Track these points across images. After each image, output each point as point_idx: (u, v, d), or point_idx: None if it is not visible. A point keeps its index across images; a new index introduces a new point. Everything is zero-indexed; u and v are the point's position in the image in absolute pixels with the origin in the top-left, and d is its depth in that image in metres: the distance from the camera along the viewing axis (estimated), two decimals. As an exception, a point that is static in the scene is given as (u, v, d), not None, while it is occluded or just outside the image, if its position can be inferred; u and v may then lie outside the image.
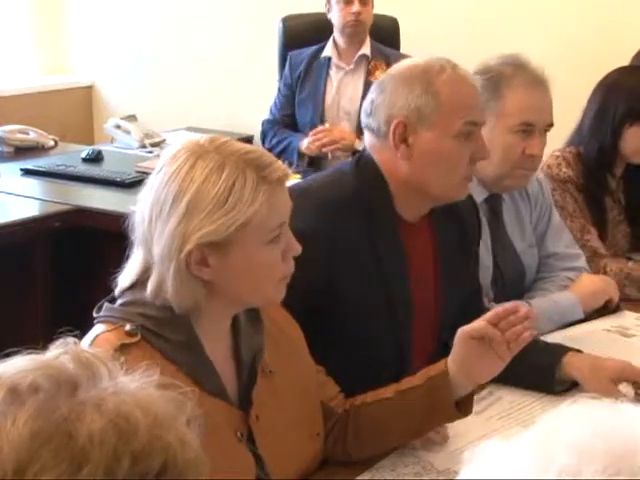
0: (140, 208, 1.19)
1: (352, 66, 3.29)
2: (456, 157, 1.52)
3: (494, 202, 1.94)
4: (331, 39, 3.34)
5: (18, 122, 3.40)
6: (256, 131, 4.21)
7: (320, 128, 3.22)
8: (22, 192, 2.80)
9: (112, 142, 3.48)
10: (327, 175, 1.64)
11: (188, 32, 4.33)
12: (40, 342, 0.71)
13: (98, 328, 1.19)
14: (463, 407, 1.35)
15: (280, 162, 1.20)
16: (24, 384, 0.62)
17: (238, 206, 1.13)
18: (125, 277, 1.21)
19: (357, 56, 3.28)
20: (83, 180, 2.90)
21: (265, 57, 3.88)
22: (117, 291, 1.22)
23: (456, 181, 1.54)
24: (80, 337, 0.69)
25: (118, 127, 3.42)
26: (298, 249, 1.21)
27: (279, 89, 3.43)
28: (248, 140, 4.19)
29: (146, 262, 1.19)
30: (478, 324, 1.31)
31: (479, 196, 1.88)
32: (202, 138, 1.19)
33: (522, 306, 1.35)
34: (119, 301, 1.21)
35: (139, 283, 1.20)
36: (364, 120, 1.56)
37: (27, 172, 2.97)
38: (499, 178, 1.87)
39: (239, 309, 1.25)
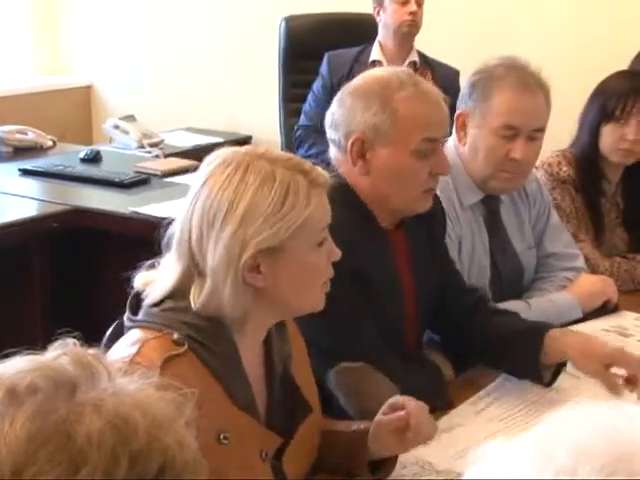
0: (182, 221, 1.17)
1: None
2: (413, 173, 1.53)
3: (491, 203, 1.95)
4: (376, 43, 3.25)
5: (16, 122, 3.40)
6: (255, 131, 4.22)
7: None
8: (20, 192, 2.80)
9: (110, 142, 3.47)
10: None
11: (187, 32, 4.33)
12: (39, 343, 0.71)
13: (139, 334, 1.16)
14: (384, 467, 1.35)
15: (319, 167, 1.22)
16: (22, 385, 0.62)
17: (294, 210, 1.15)
18: (160, 289, 1.19)
19: (407, 62, 3.20)
20: (81, 180, 2.89)
21: (265, 57, 3.87)
22: (150, 302, 1.19)
23: (415, 195, 1.55)
24: (79, 338, 0.69)
25: (117, 127, 3.42)
26: (338, 254, 1.23)
27: (313, 91, 3.30)
28: (246, 141, 4.20)
29: (186, 273, 1.17)
30: (395, 417, 1.30)
31: (475, 197, 1.89)
32: (242, 148, 1.20)
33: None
34: (158, 307, 1.18)
35: (177, 294, 1.18)
36: (327, 132, 1.57)
37: (25, 172, 2.97)
38: (484, 180, 1.87)
39: (282, 318, 1.26)
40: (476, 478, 0.56)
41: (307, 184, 1.17)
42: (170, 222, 1.21)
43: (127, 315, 1.21)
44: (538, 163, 2.27)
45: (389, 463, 1.36)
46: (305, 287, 1.21)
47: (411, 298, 1.62)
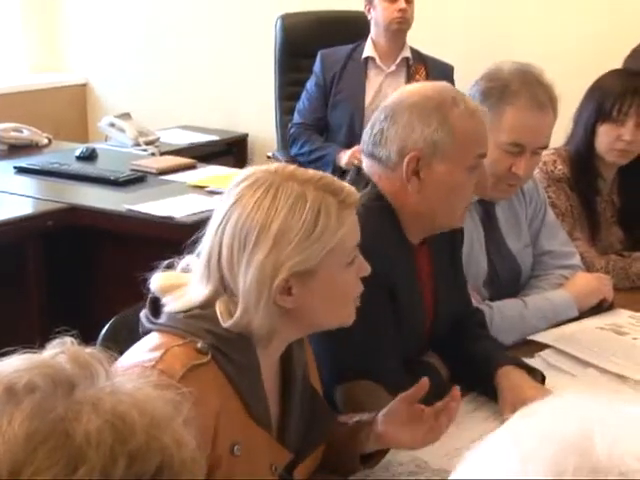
0: (211, 241, 1.16)
1: (393, 68, 3.23)
2: (465, 188, 1.55)
3: (487, 203, 1.95)
4: (369, 40, 3.26)
5: (12, 120, 3.39)
6: (251, 130, 4.22)
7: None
8: (15, 190, 2.79)
9: (106, 140, 3.47)
10: None
11: (184, 29, 4.33)
12: (36, 342, 0.71)
13: (161, 338, 1.15)
14: (372, 459, 1.36)
15: (349, 186, 1.21)
16: (20, 384, 0.62)
17: (326, 233, 1.14)
18: (183, 304, 1.18)
19: (399, 58, 3.22)
20: (77, 178, 2.89)
21: (262, 55, 3.87)
22: (171, 310, 1.18)
23: (461, 211, 1.58)
24: (77, 336, 0.69)
25: (112, 125, 3.42)
26: (368, 269, 1.23)
27: (307, 89, 3.31)
28: (243, 139, 4.19)
29: (213, 294, 1.16)
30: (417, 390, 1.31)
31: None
32: (272, 166, 1.19)
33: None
34: (184, 312, 1.17)
35: (203, 304, 1.17)
36: (369, 148, 1.55)
37: (20, 170, 2.96)
38: (487, 187, 1.85)
39: (310, 333, 1.26)
40: (460, 478, 0.56)
41: (338, 205, 1.16)
42: (200, 229, 1.20)
43: (147, 316, 1.19)
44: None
45: (378, 455, 1.37)
46: (336, 306, 1.21)
47: (429, 316, 1.63)
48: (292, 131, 3.31)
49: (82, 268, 2.73)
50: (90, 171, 2.94)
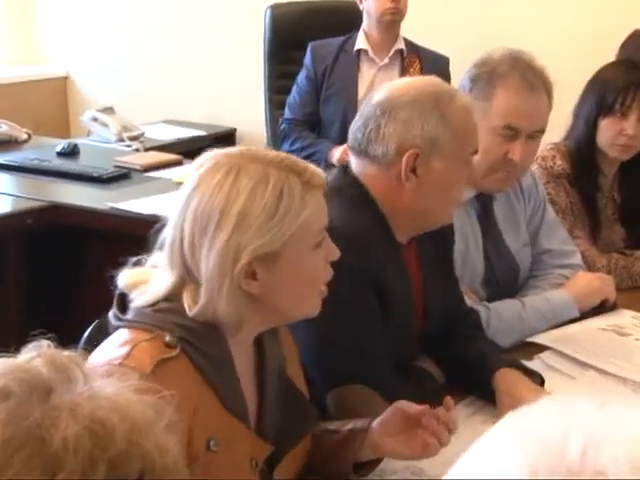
0: (174, 228, 1.17)
1: (387, 61, 3.23)
2: (459, 183, 1.57)
3: (485, 199, 1.95)
4: (361, 32, 3.26)
5: (-11, 114, 3.38)
6: (239, 124, 4.21)
7: None
8: (-6, 188, 2.79)
9: (88, 135, 3.46)
10: (333, 212, 1.51)
11: (169, 20, 4.32)
12: (13, 345, 0.70)
13: (129, 334, 1.16)
14: (366, 468, 1.36)
15: (314, 166, 1.21)
16: (-5, 389, 0.62)
17: (289, 215, 1.15)
18: (150, 295, 1.18)
19: (393, 51, 3.22)
20: (58, 175, 2.88)
21: (250, 47, 3.87)
22: (139, 304, 1.18)
23: (453, 207, 1.60)
24: (55, 340, 0.69)
25: (95, 120, 3.41)
26: (337, 253, 1.23)
27: (297, 83, 3.31)
28: (231, 133, 4.19)
29: (178, 282, 1.17)
30: (418, 407, 1.31)
31: (468, 193, 1.89)
32: (232, 149, 1.20)
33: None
34: (152, 307, 1.18)
35: (169, 297, 1.18)
36: (362, 146, 1.54)
37: (-1, 167, 2.96)
38: (478, 178, 1.86)
39: (278, 324, 1.26)
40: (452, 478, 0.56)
41: (302, 186, 1.16)
42: (161, 222, 1.20)
43: (114, 313, 1.20)
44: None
45: (372, 463, 1.37)
46: (303, 292, 1.21)
47: (420, 315, 1.63)
48: (283, 127, 3.32)
49: (64, 268, 2.73)
50: (72, 168, 2.93)
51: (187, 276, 1.16)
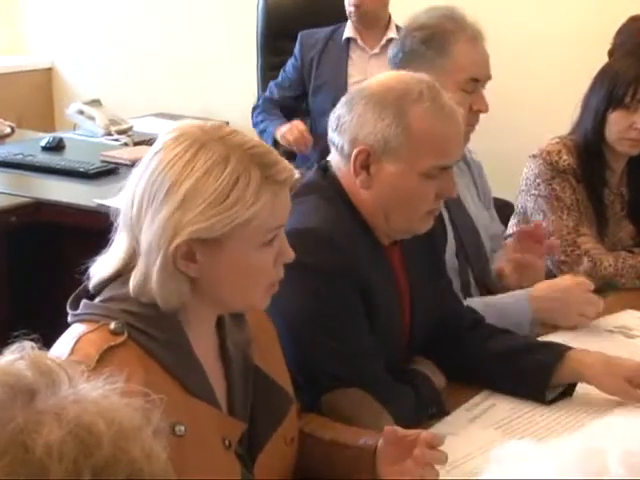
0: (129, 189, 1.18)
1: (377, 50, 3.24)
2: (419, 195, 1.52)
3: None
4: (349, 21, 3.28)
5: (-29, 107, 3.38)
6: (231, 117, 4.21)
7: (300, 126, 3.17)
8: (-24, 184, 2.79)
9: (74, 129, 3.46)
10: (309, 212, 1.55)
11: (158, 8, 4.31)
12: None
13: (77, 328, 1.17)
14: None
15: (286, 162, 1.20)
16: (-24, 393, 0.62)
17: (238, 205, 1.13)
18: (104, 266, 1.20)
19: (384, 40, 3.22)
20: (43, 171, 2.88)
21: (243, 37, 3.87)
22: (94, 283, 1.21)
23: (418, 217, 1.54)
24: (39, 341, 0.69)
25: (81, 113, 3.41)
26: (291, 255, 1.22)
27: (284, 69, 3.36)
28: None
29: (130, 250, 1.18)
30: (409, 432, 1.31)
31: None
32: (207, 124, 1.19)
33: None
34: (98, 298, 1.20)
35: (119, 277, 1.19)
36: (330, 133, 1.55)
37: (-19, 162, 2.96)
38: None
39: (222, 311, 1.26)
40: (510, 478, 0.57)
41: (261, 179, 1.15)
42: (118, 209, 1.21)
43: (68, 311, 1.22)
44: (536, 151, 2.29)
45: None
46: (243, 286, 1.21)
47: (407, 316, 1.63)
48: (258, 103, 3.40)
49: (49, 267, 2.72)
50: (57, 163, 2.93)
51: (135, 243, 1.17)
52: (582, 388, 1.67)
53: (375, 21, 3.24)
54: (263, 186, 1.15)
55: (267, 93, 3.39)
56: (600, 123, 2.22)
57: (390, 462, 1.31)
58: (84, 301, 1.20)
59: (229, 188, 1.13)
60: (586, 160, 2.26)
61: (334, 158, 1.56)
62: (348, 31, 3.26)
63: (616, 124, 2.20)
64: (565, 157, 2.26)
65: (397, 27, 3.25)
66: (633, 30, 2.79)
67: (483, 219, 2.10)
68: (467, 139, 1.95)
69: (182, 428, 1.13)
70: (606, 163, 2.29)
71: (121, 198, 1.20)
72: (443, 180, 1.51)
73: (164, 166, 1.14)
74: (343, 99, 1.54)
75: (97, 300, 1.19)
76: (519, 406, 1.63)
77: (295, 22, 3.46)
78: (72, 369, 0.66)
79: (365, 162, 1.50)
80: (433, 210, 1.55)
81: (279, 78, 3.37)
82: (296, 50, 3.30)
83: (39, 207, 2.64)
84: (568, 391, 1.64)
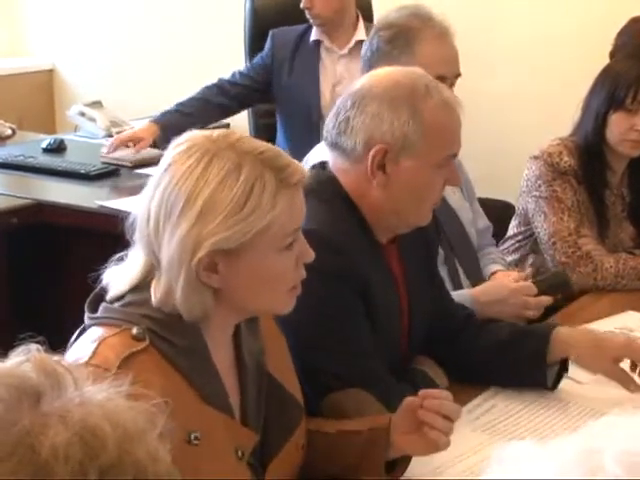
0: (144, 206, 1.17)
1: (346, 51, 3.20)
2: (432, 186, 1.55)
3: None
4: None
5: (-28, 109, 3.38)
6: (231, 118, 4.20)
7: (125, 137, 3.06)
8: (-23, 185, 2.79)
9: (76, 131, 3.46)
10: (307, 214, 1.51)
11: (156, 11, 4.31)
12: (-1, 349, 0.71)
13: (97, 332, 1.17)
14: (398, 467, 1.38)
15: (297, 163, 1.20)
16: (-18, 395, 0.62)
17: (256, 212, 1.13)
18: (121, 280, 1.20)
19: (353, 42, 3.18)
20: (44, 172, 2.88)
21: (233, 38, 3.86)
22: (111, 296, 1.20)
23: (427, 209, 1.57)
24: (43, 343, 0.69)
25: (82, 114, 3.41)
26: (311, 255, 1.23)
27: (252, 62, 3.28)
28: (224, 128, 4.18)
29: (148, 265, 1.18)
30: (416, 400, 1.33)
31: None
32: (214, 133, 1.19)
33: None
34: (118, 302, 1.19)
35: (140, 286, 1.19)
36: (332, 137, 1.53)
37: (-18, 164, 2.96)
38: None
39: (245, 317, 1.26)
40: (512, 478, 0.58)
41: (276, 183, 1.15)
42: (129, 213, 1.22)
43: (86, 313, 1.22)
44: (537, 153, 2.29)
45: (403, 462, 1.38)
46: (266, 291, 1.21)
47: (405, 315, 1.64)
48: (219, 81, 3.23)
49: (50, 269, 2.73)
50: (58, 164, 2.93)
51: (154, 257, 1.17)
52: (581, 388, 1.67)
53: (331, 24, 3.16)
54: (279, 190, 1.15)
55: (230, 77, 3.23)
56: (601, 124, 2.23)
57: (406, 431, 1.33)
58: (105, 305, 1.20)
59: (245, 196, 1.13)
60: (587, 161, 2.27)
61: (336, 160, 1.55)
62: (315, 33, 3.20)
63: (617, 126, 2.21)
64: (566, 158, 2.26)
65: (366, 25, 3.18)
66: (634, 31, 2.79)
67: (466, 212, 2.11)
68: None
69: (197, 437, 1.14)
70: (607, 164, 2.29)
71: (135, 213, 1.20)
72: (450, 169, 1.55)
73: (177, 180, 1.14)
74: (348, 102, 1.52)
75: (118, 304, 1.19)
76: (518, 406, 1.63)
77: (282, 22, 3.35)
78: (78, 371, 0.66)
79: (381, 161, 1.50)
80: (437, 202, 1.59)
81: (244, 70, 3.26)
82: (267, 48, 3.22)
83: (40, 208, 2.64)
84: (563, 368, 1.67)
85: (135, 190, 2.73)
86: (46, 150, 3.11)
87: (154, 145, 3.04)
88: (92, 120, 3.36)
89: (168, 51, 4.32)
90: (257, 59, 3.27)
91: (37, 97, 4.51)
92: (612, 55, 2.76)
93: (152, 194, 1.16)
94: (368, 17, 3.45)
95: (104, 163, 2.97)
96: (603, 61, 2.39)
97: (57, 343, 1.19)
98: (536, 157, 2.28)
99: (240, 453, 1.21)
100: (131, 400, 0.66)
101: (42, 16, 4.55)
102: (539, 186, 2.27)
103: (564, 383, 1.69)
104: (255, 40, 3.54)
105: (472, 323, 1.76)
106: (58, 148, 3.13)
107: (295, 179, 1.17)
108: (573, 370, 1.73)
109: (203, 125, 3.18)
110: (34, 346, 0.68)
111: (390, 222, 1.57)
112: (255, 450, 1.25)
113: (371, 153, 1.49)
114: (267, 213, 1.14)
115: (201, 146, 1.15)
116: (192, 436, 1.13)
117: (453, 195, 2.08)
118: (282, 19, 3.40)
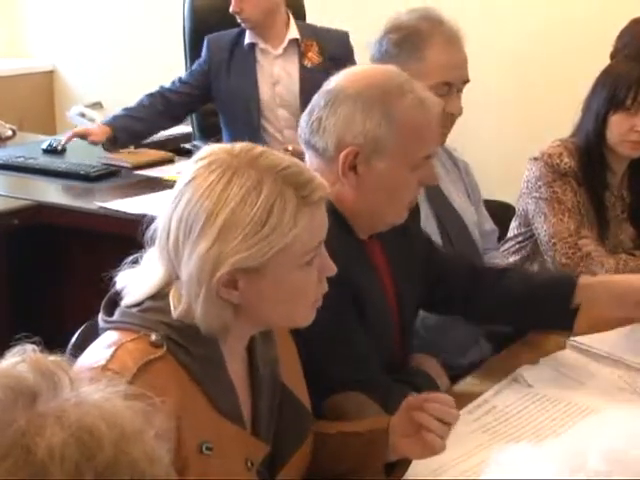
0: (164, 219, 1.17)
1: (280, 51, 3.20)
2: (406, 187, 1.53)
3: None
4: None
5: (-28, 110, 3.38)
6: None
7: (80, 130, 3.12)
8: (-23, 186, 2.80)
9: (76, 131, 3.46)
10: None
11: (156, 12, 4.32)
12: (-3, 349, 0.71)
13: (113, 336, 1.16)
14: (397, 469, 1.38)
15: (319, 179, 1.19)
16: (-22, 395, 0.62)
17: (277, 230, 1.12)
18: (138, 291, 1.19)
19: (287, 41, 3.20)
20: (44, 173, 2.88)
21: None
22: (127, 303, 1.19)
23: (402, 208, 1.56)
24: (40, 343, 0.69)
25: (82, 115, 3.41)
26: (333, 269, 1.22)
27: (192, 69, 3.27)
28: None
29: (166, 278, 1.17)
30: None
31: None
32: (236, 146, 1.18)
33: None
34: (137, 307, 1.18)
35: (158, 294, 1.18)
36: (306, 136, 1.52)
37: (-18, 165, 2.96)
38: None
39: (263, 329, 1.26)
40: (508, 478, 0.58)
41: (297, 201, 1.14)
42: (152, 218, 1.21)
43: (101, 316, 1.21)
44: (538, 154, 2.29)
45: (403, 464, 1.38)
46: (288, 306, 1.20)
47: (394, 309, 1.64)
48: (159, 90, 3.24)
49: (50, 270, 2.73)
50: (58, 165, 2.94)
51: (173, 272, 1.17)
52: (582, 388, 1.67)
53: (262, 26, 3.15)
54: (299, 209, 1.14)
55: (170, 85, 3.23)
56: (601, 126, 2.23)
57: (404, 433, 1.33)
58: (122, 309, 1.19)
59: (266, 215, 1.12)
60: (587, 162, 2.27)
61: (311, 159, 1.54)
62: (248, 36, 3.20)
63: (617, 127, 2.21)
64: (566, 160, 2.26)
65: (300, 25, 3.20)
66: (635, 32, 2.79)
67: (471, 214, 2.11)
68: (443, 141, 1.96)
69: (209, 447, 1.13)
70: (607, 166, 2.29)
71: (156, 225, 1.19)
72: (425, 168, 1.53)
73: (199, 197, 1.13)
74: (322, 101, 1.51)
75: (136, 310, 1.18)
76: (518, 407, 1.63)
77: (223, 22, 3.28)
78: (73, 372, 0.66)
79: (353, 162, 1.49)
80: (413, 201, 1.58)
81: (183, 77, 3.26)
82: (203, 54, 3.22)
83: (40, 209, 2.64)
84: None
85: (135, 191, 2.76)
86: (46, 151, 3.11)
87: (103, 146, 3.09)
88: (92, 121, 3.36)
89: (168, 52, 4.32)
90: (195, 66, 3.27)
91: (37, 98, 4.52)
92: (613, 56, 2.76)
93: (173, 208, 1.16)
94: (301, 15, 3.46)
95: (104, 164, 2.97)
96: (603, 62, 2.39)
97: (57, 343, 1.19)
98: (536, 158, 2.28)
99: (250, 463, 1.21)
100: (128, 400, 0.66)
101: (42, 17, 4.56)
102: (539, 187, 2.27)
103: (564, 383, 1.69)
104: (196, 42, 3.46)
105: (483, 272, 1.80)
106: (58, 149, 3.13)
107: (316, 196, 1.16)
108: (573, 370, 1.73)
109: (153, 131, 3.26)
110: (30, 346, 0.67)
111: (367, 221, 1.56)
112: (265, 460, 1.25)
113: (342, 154, 1.48)
114: (288, 232, 1.13)
115: (223, 161, 1.14)
116: (204, 446, 1.13)
117: (458, 198, 2.07)
118: (224, 18, 3.28)
